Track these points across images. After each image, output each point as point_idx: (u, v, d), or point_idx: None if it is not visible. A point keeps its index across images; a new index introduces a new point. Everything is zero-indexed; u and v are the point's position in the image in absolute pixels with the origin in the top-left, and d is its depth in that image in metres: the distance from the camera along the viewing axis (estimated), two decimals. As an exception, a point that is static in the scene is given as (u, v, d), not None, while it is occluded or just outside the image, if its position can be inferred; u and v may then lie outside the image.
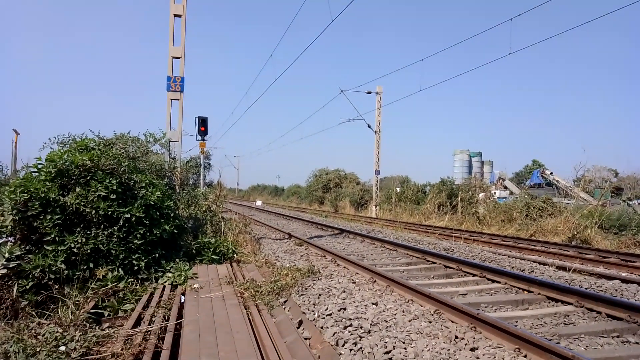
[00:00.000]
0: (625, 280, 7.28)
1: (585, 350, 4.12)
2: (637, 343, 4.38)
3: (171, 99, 10.72)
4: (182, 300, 5.58)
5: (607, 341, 4.40)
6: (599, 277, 7.66)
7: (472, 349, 3.93)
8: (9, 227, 6.04)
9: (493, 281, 6.93)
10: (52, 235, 5.99)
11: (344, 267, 8.05)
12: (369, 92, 27.42)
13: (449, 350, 3.83)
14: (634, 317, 4.78)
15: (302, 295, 5.84)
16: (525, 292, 6.23)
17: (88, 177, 6.54)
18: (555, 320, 5.04)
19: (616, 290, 6.47)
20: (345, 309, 5.02)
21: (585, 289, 6.44)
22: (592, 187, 23.95)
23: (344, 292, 5.89)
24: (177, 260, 7.22)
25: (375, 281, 6.75)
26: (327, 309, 5.06)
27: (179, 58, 10.73)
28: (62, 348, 3.77)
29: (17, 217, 5.95)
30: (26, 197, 5.93)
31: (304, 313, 5.11)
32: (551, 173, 36.66)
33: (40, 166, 6.59)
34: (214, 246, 8.63)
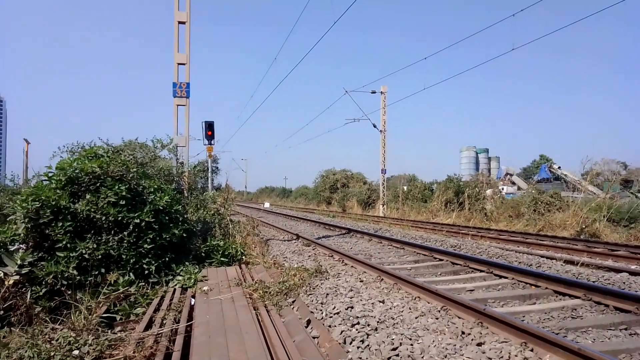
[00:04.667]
0: (633, 273, 7.25)
1: (592, 343, 4.13)
2: (645, 335, 4.39)
3: (177, 105, 10.82)
4: (192, 303, 5.66)
5: (614, 334, 4.41)
6: (607, 270, 7.64)
7: (479, 344, 3.96)
8: (22, 235, 6.18)
9: (500, 277, 6.95)
10: (64, 242, 6.11)
11: (352, 267, 8.10)
12: (374, 92, 27.43)
13: (455, 345, 3.87)
14: (642, 309, 4.78)
15: (310, 295, 5.89)
16: (533, 286, 6.24)
17: (98, 184, 6.65)
18: (563, 314, 5.06)
19: (624, 283, 6.46)
20: (352, 308, 5.07)
21: (593, 282, 6.44)
22: (601, 180, 23.79)
23: (352, 290, 5.94)
24: (187, 263, 7.31)
25: (382, 279, 6.79)
26: (334, 307, 5.12)
27: (184, 64, 10.83)
28: (76, 352, 3.87)
29: (29, 225, 6.08)
30: (38, 205, 6.05)
31: (312, 312, 5.17)
32: (559, 167, 36.50)
33: (50, 174, 6.72)
34: (222, 249, 8.73)
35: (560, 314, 5.07)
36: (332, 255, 9.47)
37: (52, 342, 4.07)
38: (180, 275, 6.81)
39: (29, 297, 5.38)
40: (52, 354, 3.78)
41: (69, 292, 5.70)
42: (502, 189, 28.86)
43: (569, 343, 3.60)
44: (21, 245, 6.07)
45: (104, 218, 6.41)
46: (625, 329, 4.53)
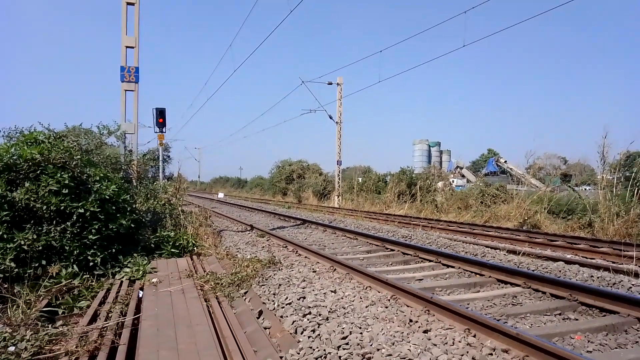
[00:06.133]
0: (568, 262, 7.73)
1: (529, 328, 4.38)
2: (577, 319, 4.70)
3: (125, 90, 10.40)
4: (140, 295, 5.50)
5: (550, 319, 4.70)
6: (545, 259, 8.10)
7: (425, 331, 4.10)
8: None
9: (448, 266, 7.21)
10: (0, 233, 5.75)
11: (305, 257, 8.14)
12: (330, 83, 27.50)
13: (402, 333, 3.98)
14: (574, 296, 5.11)
15: (262, 285, 5.88)
16: (478, 275, 6.52)
17: (38, 172, 6.29)
18: (504, 301, 5.33)
19: (560, 271, 6.87)
20: (304, 298, 5.11)
21: (532, 270, 6.81)
22: (543, 173, 25.12)
23: (304, 281, 5.98)
24: (135, 254, 7.08)
25: (335, 269, 6.87)
26: (286, 298, 5.13)
27: (132, 47, 10.40)
28: (12, 348, 3.66)
29: (-40, 215, 5.68)
30: (-30, 194, 5.66)
31: (264, 303, 5.16)
32: (505, 161, 38.18)
33: (-16, 161, 6.28)
34: (173, 240, 8.52)
35: (502, 301, 5.34)
36: (286, 246, 9.47)
37: (-14, 338, 3.84)
38: (128, 267, 6.60)
39: (-41, 291, 5.04)
40: (-16, 351, 3.56)
41: (5, 286, 5.37)
42: (453, 181, 29.88)
43: (508, 328, 3.79)
44: None
45: (45, 207, 6.08)
46: (560, 314, 4.83)
